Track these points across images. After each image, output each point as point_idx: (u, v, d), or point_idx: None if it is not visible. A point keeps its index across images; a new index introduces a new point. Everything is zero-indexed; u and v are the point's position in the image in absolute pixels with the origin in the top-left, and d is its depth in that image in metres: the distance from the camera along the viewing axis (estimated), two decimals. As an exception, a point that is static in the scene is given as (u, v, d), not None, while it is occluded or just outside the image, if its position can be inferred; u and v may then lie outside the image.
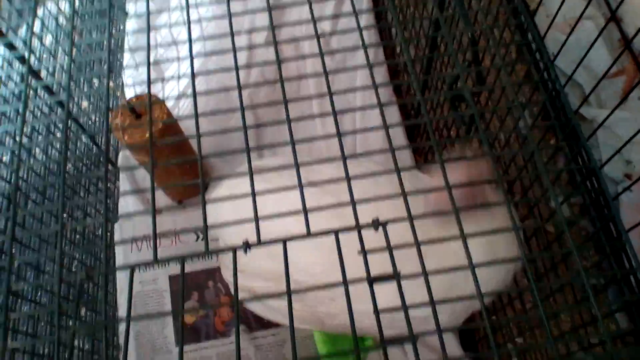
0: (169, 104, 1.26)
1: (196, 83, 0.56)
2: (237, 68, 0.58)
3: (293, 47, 1.26)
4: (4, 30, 0.76)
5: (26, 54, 0.60)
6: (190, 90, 1.27)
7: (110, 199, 1.13)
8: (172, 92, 1.28)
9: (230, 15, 0.62)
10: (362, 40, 0.59)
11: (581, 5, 1.36)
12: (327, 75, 0.55)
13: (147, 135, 0.86)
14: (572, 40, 1.24)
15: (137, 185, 1.11)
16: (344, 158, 0.49)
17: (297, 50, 1.24)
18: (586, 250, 1.11)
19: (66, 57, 0.91)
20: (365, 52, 0.57)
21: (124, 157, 1.16)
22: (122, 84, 1.30)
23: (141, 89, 1.28)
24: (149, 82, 0.56)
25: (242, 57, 1.27)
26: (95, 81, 1.21)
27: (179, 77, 1.31)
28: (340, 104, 1.18)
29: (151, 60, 1.33)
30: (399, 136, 1.11)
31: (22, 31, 0.85)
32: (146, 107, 0.90)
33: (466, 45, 0.79)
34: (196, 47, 1.22)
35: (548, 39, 1.16)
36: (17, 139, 0.54)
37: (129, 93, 1.29)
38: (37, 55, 0.93)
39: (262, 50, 1.29)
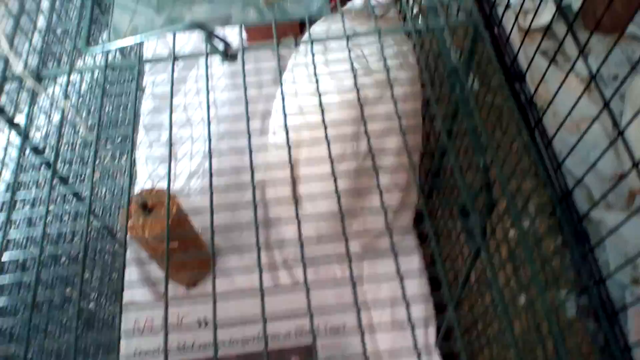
0: (181, 182, 1.28)
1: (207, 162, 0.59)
2: (250, 150, 0.60)
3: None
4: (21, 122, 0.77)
5: (51, 157, 0.62)
6: (202, 169, 1.30)
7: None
8: (184, 170, 1.30)
9: (246, 100, 0.64)
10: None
11: (587, 105, 1.39)
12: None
13: (157, 231, 0.87)
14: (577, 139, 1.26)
15: (144, 268, 1.11)
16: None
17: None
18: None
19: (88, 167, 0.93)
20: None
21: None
22: (134, 161, 1.32)
23: (153, 168, 1.30)
24: (169, 183, 0.57)
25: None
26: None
27: (191, 156, 1.33)
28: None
29: (166, 138, 1.35)
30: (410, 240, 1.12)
31: (41, 124, 0.87)
32: (156, 202, 0.91)
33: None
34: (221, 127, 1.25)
35: (555, 139, 1.18)
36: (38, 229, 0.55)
37: (141, 170, 1.30)
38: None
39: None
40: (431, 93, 0.64)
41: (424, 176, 1.20)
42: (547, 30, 0.86)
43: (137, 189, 1.28)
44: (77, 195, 0.85)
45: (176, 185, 1.27)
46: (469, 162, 0.90)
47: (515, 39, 1.37)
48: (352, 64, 0.64)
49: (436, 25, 0.71)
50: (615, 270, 0.94)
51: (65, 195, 0.91)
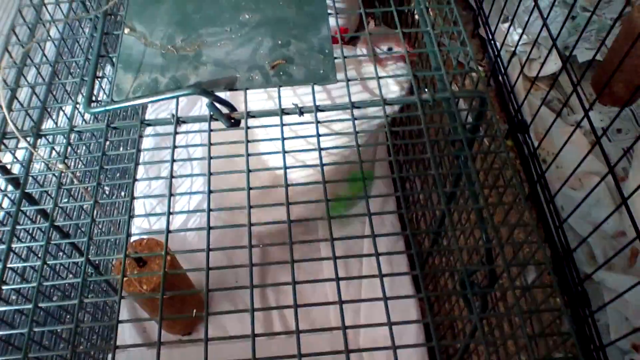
0: (179, 221, 1.26)
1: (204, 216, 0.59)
2: (249, 206, 0.59)
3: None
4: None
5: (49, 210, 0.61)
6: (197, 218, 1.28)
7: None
8: (183, 207, 1.29)
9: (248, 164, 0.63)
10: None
11: (590, 160, 1.38)
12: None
13: (151, 287, 0.86)
14: (579, 196, 1.25)
15: (135, 314, 1.10)
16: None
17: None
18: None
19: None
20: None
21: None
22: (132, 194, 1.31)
23: (150, 207, 1.29)
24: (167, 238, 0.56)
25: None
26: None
27: (190, 194, 1.31)
28: (347, 248, 1.17)
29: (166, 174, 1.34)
30: (405, 286, 1.10)
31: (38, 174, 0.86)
32: (149, 252, 0.90)
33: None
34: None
35: (557, 194, 1.17)
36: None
37: (138, 206, 1.29)
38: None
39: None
40: (431, 157, 0.63)
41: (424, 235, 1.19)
42: (555, 82, 0.86)
43: (133, 225, 1.26)
44: (74, 245, 0.84)
45: (174, 224, 1.25)
46: (472, 229, 0.89)
47: (520, 87, 1.37)
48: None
49: (442, 95, 0.70)
50: (616, 339, 0.93)
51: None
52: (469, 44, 0.73)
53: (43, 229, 0.61)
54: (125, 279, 0.85)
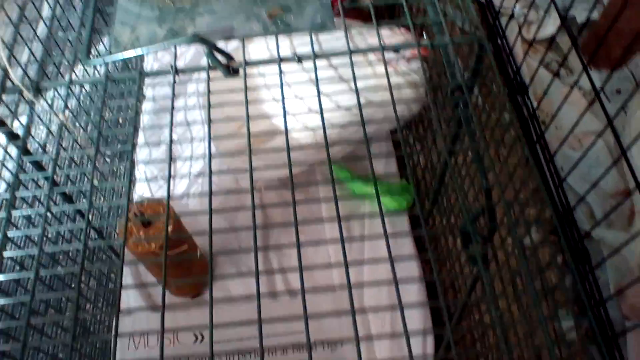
0: (182, 186, 1.26)
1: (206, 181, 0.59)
2: (251, 169, 0.59)
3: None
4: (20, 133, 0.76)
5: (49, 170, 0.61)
6: (200, 181, 1.28)
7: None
8: (184, 171, 1.29)
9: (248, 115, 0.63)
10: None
11: (590, 119, 1.38)
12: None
13: (159, 244, 0.87)
14: (579, 156, 1.25)
15: (140, 280, 1.10)
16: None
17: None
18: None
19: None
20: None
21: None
22: (134, 162, 1.31)
23: (151, 171, 1.28)
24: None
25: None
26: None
27: (191, 158, 1.31)
28: (349, 209, 1.18)
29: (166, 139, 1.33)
30: (407, 246, 1.11)
31: (41, 134, 0.86)
32: (152, 213, 0.90)
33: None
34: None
35: (557, 155, 1.17)
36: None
37: (139, 173, 1.29)
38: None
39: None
40: (434, 111, 0.63)
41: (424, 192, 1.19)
42: (552, 42, 0.85)
43: (135, 194, 1.27)
44: (79, 212, 0.84)
45: (177, 190, 1.26)
46: (472, 179, 0.89)
47: (518, 50, 1.36)
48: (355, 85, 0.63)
49: (440, 41, 0.70)
50: (615, 293, 0.93)
51: (64, 212, 0.90)
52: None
53: (45, 191, 0.61)
54: (132, 240, 0.85)
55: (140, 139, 1.32)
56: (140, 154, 1.31)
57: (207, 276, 0.54)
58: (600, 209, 1.20)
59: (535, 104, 1.26)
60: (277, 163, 0.66)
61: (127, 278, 1.11)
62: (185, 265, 0.99)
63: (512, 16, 1.26)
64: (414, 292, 1.08)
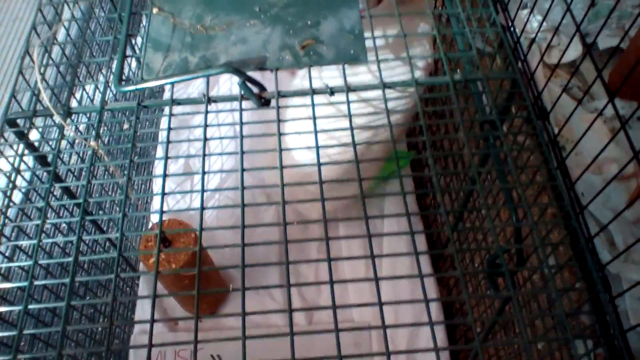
0: (198, 201, 1.26)
1: (226, 195, 0.59)
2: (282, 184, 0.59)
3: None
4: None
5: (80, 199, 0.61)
6: (217, 196, 1.28)
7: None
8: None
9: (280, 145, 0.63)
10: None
11: (610, 146, 1.37)
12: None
13: (180, 264, 0.86)
14: (599, 181, 1.24)
15: (162, 306, 1.10)
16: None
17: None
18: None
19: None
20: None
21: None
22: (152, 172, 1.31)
23: (169, 187, 1.29)
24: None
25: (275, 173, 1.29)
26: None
27: (207, 173, 1.31)
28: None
29: (184, 154, 1.33)
30: (424, 266, 1.10)
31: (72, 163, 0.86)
32: (173, 235, 0.90)
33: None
34: (230, 163, 1.23)
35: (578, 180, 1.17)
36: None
37: (156, 188, 1.29)
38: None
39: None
40: (464, 136, 0.63)
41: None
42: (576, 70, 0.85)
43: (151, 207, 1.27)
44: (97, 225, 0.84)
45: (193, 205, 1.25)
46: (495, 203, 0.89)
47: (539, 75, 1.36)
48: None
49: (473, 76, 0.70)
50: (636, 325, 0.93)
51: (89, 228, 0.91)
52: (498, 23, 0.73)
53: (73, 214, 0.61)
54: (151, 260, 0.85)
55: (159, 152, 1.32)
56: (158, 168, 1.31)
57: (223, 294, 0.54)
58: (620, 234, 1.19)
59: (556, 130, 1.26)
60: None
61: (144, 292, 1.11)
62: (202, 285, 0.99)
63: (534, 40, 1.26)
64: (432, 311, 1.08)
